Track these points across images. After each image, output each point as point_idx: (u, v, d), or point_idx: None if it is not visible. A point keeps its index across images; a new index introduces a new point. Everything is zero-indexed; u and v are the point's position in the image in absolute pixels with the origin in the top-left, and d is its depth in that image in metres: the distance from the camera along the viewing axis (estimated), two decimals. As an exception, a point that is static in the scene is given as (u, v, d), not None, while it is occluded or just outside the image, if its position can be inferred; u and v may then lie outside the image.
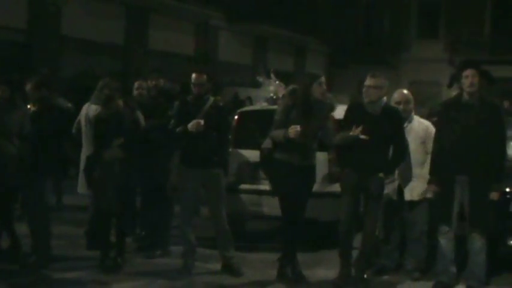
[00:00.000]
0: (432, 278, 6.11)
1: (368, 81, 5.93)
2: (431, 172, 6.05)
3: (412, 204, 6.33)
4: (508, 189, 6.11)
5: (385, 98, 6.00)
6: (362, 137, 5.74)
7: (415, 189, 6.29)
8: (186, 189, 6.42)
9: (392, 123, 5.92)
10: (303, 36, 24.45)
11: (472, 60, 6.64)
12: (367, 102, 5.95)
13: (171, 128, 6.45)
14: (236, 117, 8.11)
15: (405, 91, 6.56)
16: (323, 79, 6.06)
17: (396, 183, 6.30)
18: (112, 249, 6.55)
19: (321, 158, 6.31)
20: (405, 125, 6.31)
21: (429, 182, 6.09)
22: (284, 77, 8.06)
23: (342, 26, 27.77)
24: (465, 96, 5.87)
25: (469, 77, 5.78)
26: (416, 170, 6.29)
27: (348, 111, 6.12)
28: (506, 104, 15.06)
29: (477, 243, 5.81)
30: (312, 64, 24.80)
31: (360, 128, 5.75)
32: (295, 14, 22.98)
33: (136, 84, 7.52)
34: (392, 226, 6.46)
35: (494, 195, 5.74)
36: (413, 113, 6.47)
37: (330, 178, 6.92)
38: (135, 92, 7.45)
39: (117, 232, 6.56)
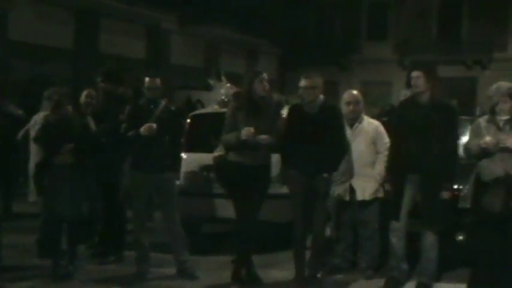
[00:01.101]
0: (385, 275, 6.19)
1: (302, 83, 6.01)
2: (388, 171, 6.15)
3: (364, 203, 6.41)
4: (456, 186, 6.23)
5: (321, 97, 6.06)
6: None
7: (367, 189, 6.37)
8: (138, 194, 6.38)
9: (330, 120, 5.98)
10: (255, 39, 24.57)
11: (419, 61, 6.74)
12: (304, 103, 6.04)
13: (123, 132, 6.39)
14: (188, 120, 8.08)
15: (355, 91, 6.64)
16: (265, 75, 6.07)
17: (348, 184, 6.38)
18: (64, 257, 6.46)
19: (273, 160, 6.33)
20: (355, 125, 6.42)
21: (385, 181, 6.19)
22: (236, 80, 8.06)
23: (293, 28, 27.98)
24: (416, 96, 5.96)
25: (413, 78, 5.86)
26: (367, 170, 6.37)
27: (288, 113, 6.21)
28: (454, 103, 15.35)
29: (429, 239, 5.89)
30: (263, 66, 24.87)
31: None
32: (246, 17, 23.05)
33: (85, 92, 7.33)
34: (344, 225, 6.54)
35: (445, 194, 5.81)
36: (363, 114, 6.56)
37: (282, 179, 6.94)
38: (83, 100, 7.26)
39: (69, 239, 6.46)
